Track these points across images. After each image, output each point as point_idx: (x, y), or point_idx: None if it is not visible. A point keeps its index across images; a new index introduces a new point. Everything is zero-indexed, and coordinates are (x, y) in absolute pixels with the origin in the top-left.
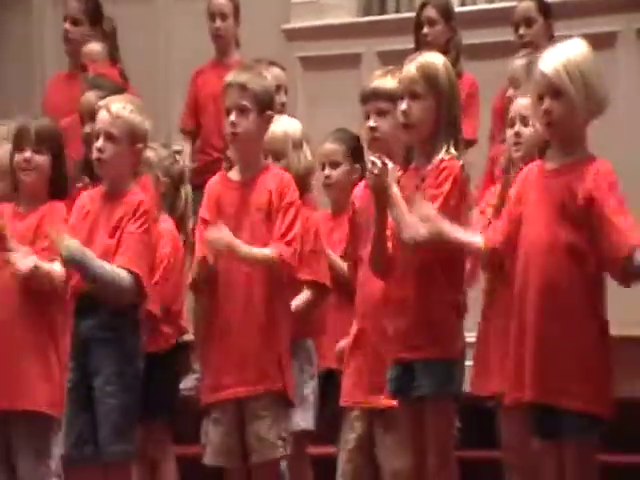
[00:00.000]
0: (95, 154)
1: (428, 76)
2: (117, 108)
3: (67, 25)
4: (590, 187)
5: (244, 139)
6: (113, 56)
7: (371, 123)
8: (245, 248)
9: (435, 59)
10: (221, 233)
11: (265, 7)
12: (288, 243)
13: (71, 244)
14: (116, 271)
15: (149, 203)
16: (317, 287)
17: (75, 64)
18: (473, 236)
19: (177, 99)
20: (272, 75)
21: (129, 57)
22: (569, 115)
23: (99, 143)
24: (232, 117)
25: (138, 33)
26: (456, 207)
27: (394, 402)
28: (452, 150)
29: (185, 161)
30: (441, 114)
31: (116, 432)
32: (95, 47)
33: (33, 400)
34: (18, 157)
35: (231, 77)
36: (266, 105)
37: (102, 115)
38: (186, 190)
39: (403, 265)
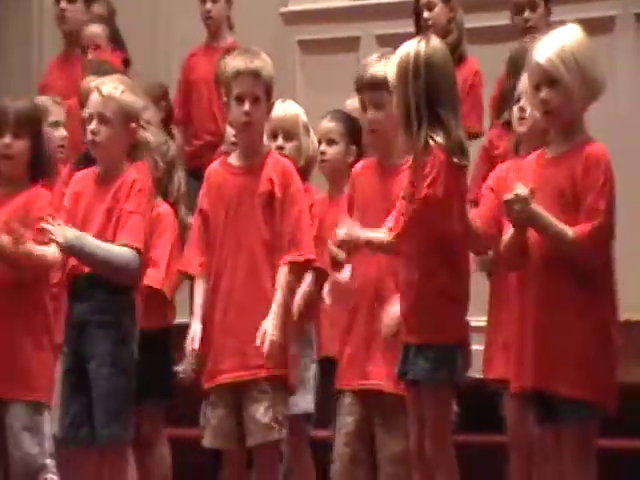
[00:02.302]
0: (89, 136)
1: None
2: (108, 89)
3: (63, 4)
4: (580, 174)
5: (256, 128)
6: (114, 40)
7: (370, 116)
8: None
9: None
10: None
11: None
12: (308, 245)
13: (68, 232)
14: (116, 250)
15: (144, 181)
16: (318, 272)
17: (71, 43)
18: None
19: (177, 81)
20: None
21: (128, 39)
22: (567, 103)
23: (92, 125)
24: (246, 107)
25: (138, 14)
26: (450, 197)
27: (385, 385)
28: (438, 139)
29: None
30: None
31: (111, 415)
32: (96, 29)
33: (27, 387)
34: None
35: (241, 64)
36: (271, 93)
37: (94, 97)
38: (179, 175)
39: (409, 250)
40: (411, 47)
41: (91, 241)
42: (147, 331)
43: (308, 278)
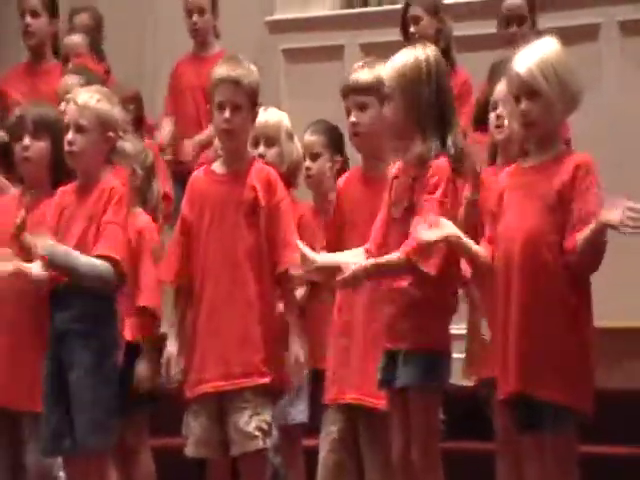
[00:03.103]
0: (66, 147)
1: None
2: (84, 99)
3: (27, 19)
4: (568, 182)
5: (238, 135)
6: (96, 50)
7: (352, 118)
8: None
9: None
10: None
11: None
12: (293, 249)
13: (51, 247)
14: (97, 263)
15: (122, 189)
16: (312, 283)
17: (36, 57)
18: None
19: (164, 91)
20: None
21: (116, 48)
22: (546, 114)
23: (69, 136)
24: (226, 114)
25: (125, 23)
26: (452, 208)
27: (373, 400)
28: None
29: (165, 139)
30: (413, 111)
31: (93, 425)
32: (76, 39)
33: (39, 399)
34: (17, 147)
35: (224, 72)
36: (256, 101)
37: (70, 107)
38: (157, 183)
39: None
40: (417, 53)
41: (75, 256)
42: (135, 342)
43: (301, 289)
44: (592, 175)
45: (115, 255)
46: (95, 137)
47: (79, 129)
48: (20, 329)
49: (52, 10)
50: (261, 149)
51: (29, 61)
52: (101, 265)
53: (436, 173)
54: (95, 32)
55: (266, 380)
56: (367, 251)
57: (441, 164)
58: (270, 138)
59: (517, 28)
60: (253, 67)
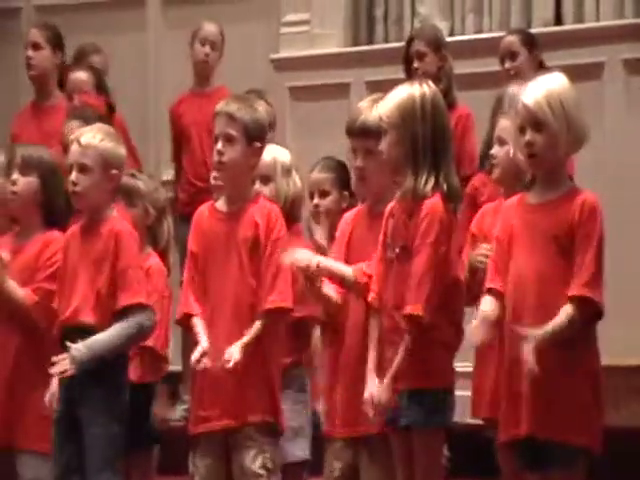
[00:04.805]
0: (70, 187)
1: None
2: (87, 138)
3: (29, 52)
4: (577, 221)
5: (230, 168)
6: (100, 86)
7: (358, 163)
8: None
9: (406, 92)
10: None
11: (254, 37)
12: (280, 292)
13: (73, 358)
14: (120, 329)
15: (128, 231)
16: (310, 320)
17: (40, 92)
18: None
19: (167, 129)
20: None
21: (119, 86)
22: (551, 147)
23: (73, 176)
24: (219, 145)
25: (128, 62)
26: (446, 251)
27: (373, 427)
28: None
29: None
30: (406, 147)
31: (103, 462)
32: (81, 75)
33: (37, 436)
34: (5, 182)
35: (221, 106)
36: (255, 136)
37: (73, 148)
38: (168, 221)
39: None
40: (414, 89)
41: (100, 342)
42: (140, 383)
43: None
44: (597, 219)
45: (142, 300)
46: (98, 176)
47: (82, 169)
48: (19, 369)
49: (55, 43)
50: (257, 186)
51: (35, 99)
52: (136, 323)
53: (428, 213)
54: (95, 69)
55: (270, 418)
56: (372, 301)
57: (433, 204)
58: (264, 176)
59: (510, 62)
60: (260, 105)
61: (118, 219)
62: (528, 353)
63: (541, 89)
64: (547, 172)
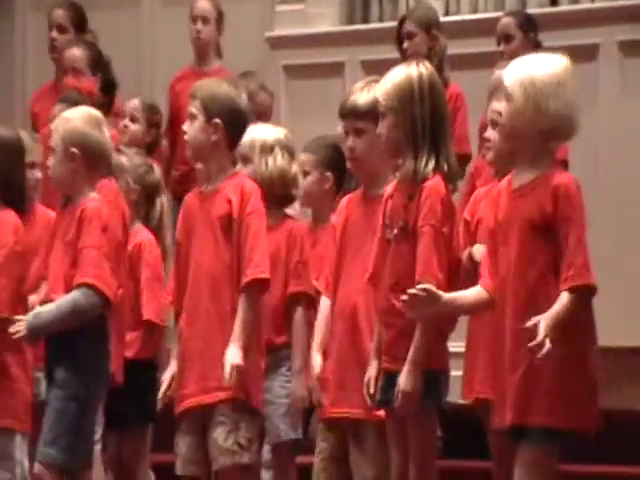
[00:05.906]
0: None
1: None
2: (57, 122)
3: (54, 33)
4: (553, 207)
5: (191, 145)
6: (96, 64)
7: (349, 143)
8: None
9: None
10: None
11: (249, 15)
12: (256, 265)
13: (28, 318)
14: (68, 301)
15: (94, 209)
16: (306, 298)
17: (60, 73)
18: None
19: (162, 107)
20: (260, 100)
21: (114, 65)
22: (515, 120)
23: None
24: (185, 125)
25: (123, 40)
26: (449, 232)
27: (359, 413)
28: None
29: None
30: (405, 129)
31: (50, 434)
32: (76, 52)
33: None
34: None
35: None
36: (215, 113)
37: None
38: (161, 200)
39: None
40: (411, 70)
41: (43, 314)
42: (138, 359)
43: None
44: (571, 200)
45: (88, 281)
46: (60, 156)
47: (51, 152)
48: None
49: (80, 26)
50: (239, 167)
51: (55, 79)
52: (71, 301)
53: (431, 194)
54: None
55: (241, 394)
56: (369, 280)
57: (434, 185)
58: (244, 156)
59: (505, 45)
60: (235, 89)
61: (94, 199)
62: (543, 345)
63: (521, 66)
64: (522, 152)
